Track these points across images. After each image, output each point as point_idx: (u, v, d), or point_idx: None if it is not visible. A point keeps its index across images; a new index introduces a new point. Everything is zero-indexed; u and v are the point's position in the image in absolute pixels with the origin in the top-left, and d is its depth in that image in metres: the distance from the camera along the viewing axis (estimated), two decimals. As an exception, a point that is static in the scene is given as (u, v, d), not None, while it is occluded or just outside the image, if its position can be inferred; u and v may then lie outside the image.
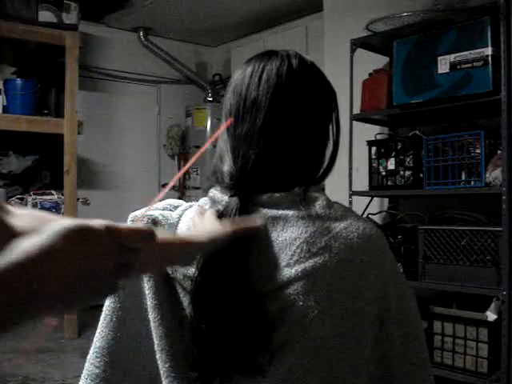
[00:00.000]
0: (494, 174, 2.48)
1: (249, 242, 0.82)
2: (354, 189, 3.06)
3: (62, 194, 4.10)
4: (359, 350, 0.83)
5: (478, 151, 2.57)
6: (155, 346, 0.88)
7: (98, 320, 0.95)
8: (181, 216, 0.93)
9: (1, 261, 0.51)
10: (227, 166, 0.90)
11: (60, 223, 0.56)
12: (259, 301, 0.80)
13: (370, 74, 3.15)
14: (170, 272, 0.88)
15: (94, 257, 0.57)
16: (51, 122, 4.16)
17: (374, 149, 3.01)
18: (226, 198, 0.86)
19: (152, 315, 0.89)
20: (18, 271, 0.53)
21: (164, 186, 5.77)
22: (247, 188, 0.85)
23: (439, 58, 2.68)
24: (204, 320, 0.81)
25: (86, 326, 4.01)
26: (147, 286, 0.89)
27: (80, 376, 0.93)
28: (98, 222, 0.57)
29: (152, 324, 0.89)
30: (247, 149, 0.87)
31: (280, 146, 0.87)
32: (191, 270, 0.86)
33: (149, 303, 0.89)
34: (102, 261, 0.57)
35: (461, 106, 2.64)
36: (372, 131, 3.22)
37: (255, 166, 0.86)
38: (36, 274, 0.54)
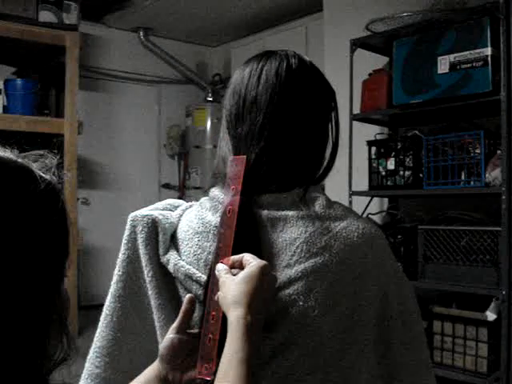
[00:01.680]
0: (494, 174, 2.48)
1: (251, 245, 0.82)
2: (353, 189, 3.06)
3: (62, 194, 4.09)
4: (359, 349, 0.83)
5: (477, 151, 2.57)
6: (159, 345, 0.88)
7: (98, 320, 0.95)
8: (181, 216, 0.94)
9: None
10: None
11: (253, 265, 0.77)
12: None
13: (369, 74, 3.15)
14: (172, 271, 0.88)
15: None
16: (51, 122, 4.15)
17: (373, 149, 3.01)
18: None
19: (156, 315, 0.89)
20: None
21: (164, 186, 5.78)
22: (249, 188, 0.85)
23: (439, 57, 2.68)
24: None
25: (86, 325, 4.01)
26: (149, 286, 0.89)
27: (80, 376, 0.93)
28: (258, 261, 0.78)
29: (156, 324, 0.89)
30: (248, 149, 0.87)
31: (280, 146, 0.87)
32: (192, 270, 0.86)
33: (152, 303, 0.89)
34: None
35: (460, 106, 2.64)
36: (372, 131, 3.22)
37: (256, 166, 0.86)
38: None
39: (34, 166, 0.58)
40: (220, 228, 0.83)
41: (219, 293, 0.78)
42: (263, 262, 0.77)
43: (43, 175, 0.57)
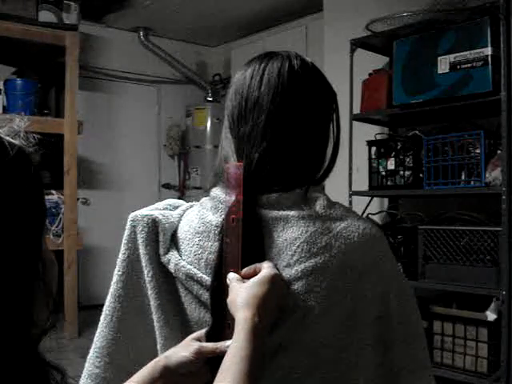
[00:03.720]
0: (494, 174, 2.48)
1: (255, 245, 0.83)
2: (354, 189, 3.06)
3: (62, 194, 4.10)
4: (359, 349, 0.83)
5: (477, 151, 2.57)
6: (159, 345, 0.88)
7: (98, 320, 0.95)
8: (181, 216, 0.93)
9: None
10: None
11: (266, 271, 0.78)
12: None
13: (370, 74, 3.15)
14: (172, 271, 0.88)
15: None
16: (51, 121, 4.16)
17: (373, 149, 3.01)
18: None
19: (156, 315, 0.89)
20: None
21: (164, 186, 5.78)
22: (251, 188, 0.85)
23: (439, 57, 2.68)
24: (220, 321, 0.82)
25: (86, 325, 4.01)
26: (149, 286, 0.89)
27: (80, 376, 0.93)
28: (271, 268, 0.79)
29: (156, 324, 0.89)
30: (251, 149, 0.87)
31: (282, 146, 0.87)
32: (194, 271, 0.86)
33: (152, 303, 0.89)
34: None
35: (461, 106, 2.64)
36: (372, 131, 3.22)
37: (258, 167, 0.86)
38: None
39: (2, 132, 0.56)
40: (225, 237, 0.83)
41: (229, 298, 0.78)
42: (275, 270, 0.79)
43: (12, 141, 0.55)
